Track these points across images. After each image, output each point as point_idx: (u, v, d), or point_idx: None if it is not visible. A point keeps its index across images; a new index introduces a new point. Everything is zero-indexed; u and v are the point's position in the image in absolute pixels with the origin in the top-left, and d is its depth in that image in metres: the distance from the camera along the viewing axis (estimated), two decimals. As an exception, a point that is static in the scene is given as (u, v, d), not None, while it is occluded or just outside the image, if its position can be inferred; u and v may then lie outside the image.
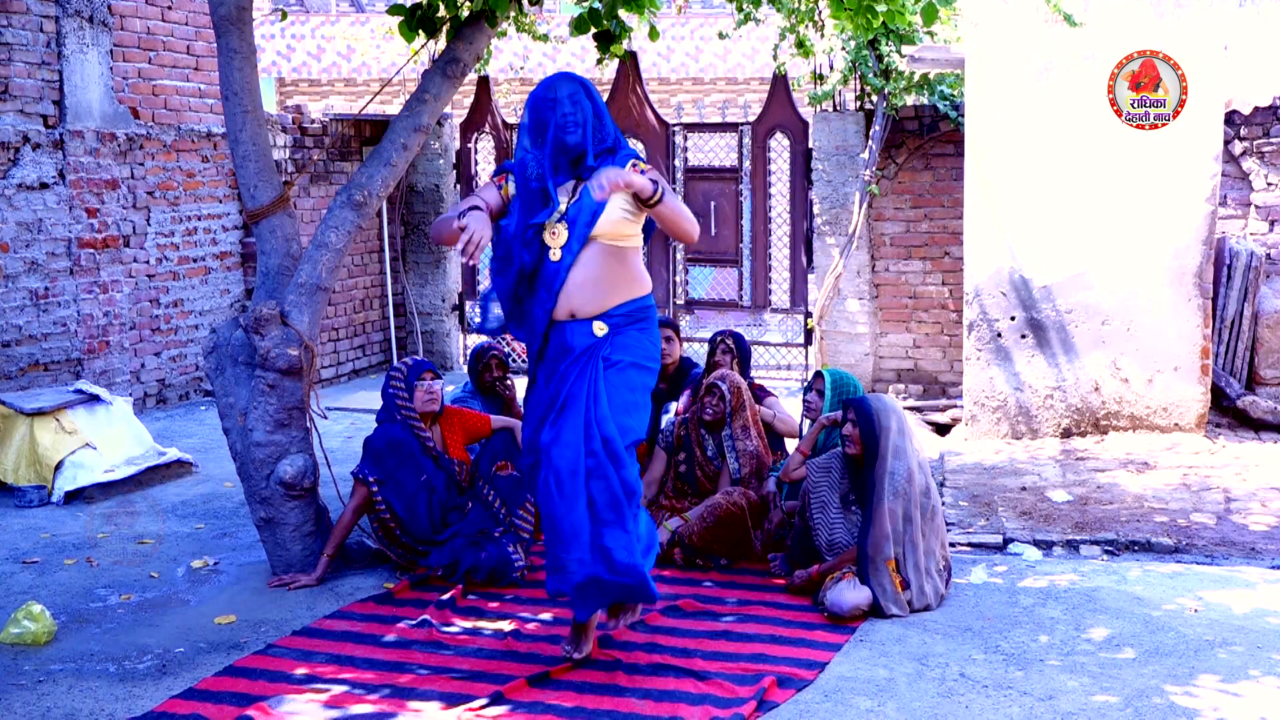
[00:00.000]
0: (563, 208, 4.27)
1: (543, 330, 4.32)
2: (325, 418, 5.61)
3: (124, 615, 4.80)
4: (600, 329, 4.27)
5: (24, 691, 4.07)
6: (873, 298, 9.57)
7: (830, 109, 9.50)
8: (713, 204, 9.97)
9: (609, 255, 4.27)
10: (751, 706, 3.91)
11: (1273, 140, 8.78)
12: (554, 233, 4.27)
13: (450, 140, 10.62)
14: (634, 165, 4.27)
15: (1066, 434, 7.94)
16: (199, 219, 8.97)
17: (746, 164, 9.87)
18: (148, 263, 8.54)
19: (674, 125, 10.07)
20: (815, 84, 9.55)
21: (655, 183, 4.19)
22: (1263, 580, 5.15)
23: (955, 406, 8.90)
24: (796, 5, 8.36)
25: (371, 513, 5.23)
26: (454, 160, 10.62)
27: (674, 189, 10.38)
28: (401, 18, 5.47)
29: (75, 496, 6.40)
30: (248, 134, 5.10)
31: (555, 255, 4.26)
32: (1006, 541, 5.84)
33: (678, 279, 10.13)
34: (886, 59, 8.88)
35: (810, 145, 9.61)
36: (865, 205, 9.14)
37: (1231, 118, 8.74)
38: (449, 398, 6.25)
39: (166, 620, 4.74)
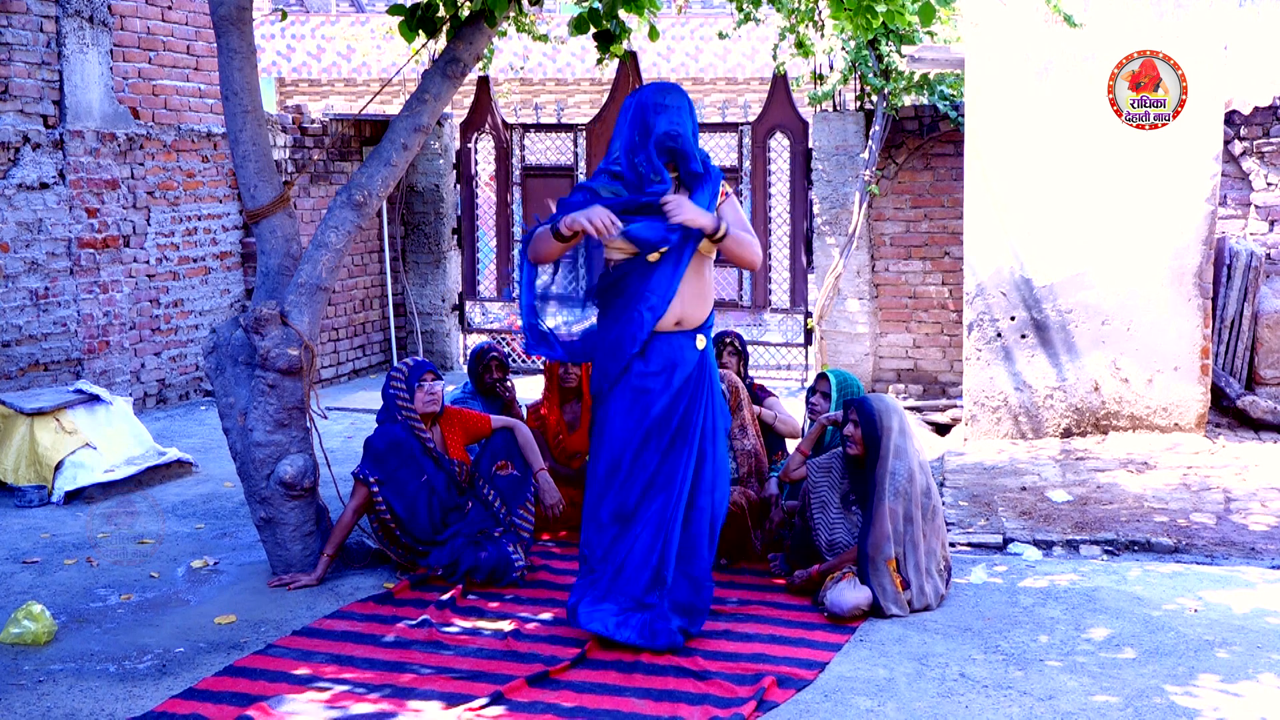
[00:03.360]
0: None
1: (643, 340, 4.25)
2: (325, 418, 5.60)
3: (124, 615, 4.80)
4: (701, 342, 4.31)
5: (24, 691, 4.07)
6: (873, 298, 9.57)
7: (830, 109, 9.49)
8: (713, 204, 9.96)
9: (706, 267, 4.30)
10: (751, 706, 3.91)
11: (1273, 140, 8.78)
12: None
13: (450, 140, 10.61)
14: (722, 191, 4.33)
15: (1067, 434, 7.94)
16: (199, 219, 8.97)
17: (746, 164, 9.87)
18: (148, 263, 8.54)
19: (674, 125, 10.05)
20: (815, 84, 9.55)
21: (721, 218, 4.21)
22: (1263, 580, 5.15)
23: (955, 406, 8.89)
24: (796, 5, 8.35)
25: (372, 513, 5.23)
26: (454, 160, 10.62)
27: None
28: (401, 18, 5.46)
29: (75, 496, 6.40)
30: (248, 134, 5.10)
31: (654, 257, 4.23)
32: (1006, 541, 5.83)
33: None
34: (886, 59, 8.88)
35: (810, 145, 9.61)
36: (865, 205, 9.14)
37: (1231, 118, 8.74)
38: (449, 398, 6.25)
39: (166, 620, 4.74)
